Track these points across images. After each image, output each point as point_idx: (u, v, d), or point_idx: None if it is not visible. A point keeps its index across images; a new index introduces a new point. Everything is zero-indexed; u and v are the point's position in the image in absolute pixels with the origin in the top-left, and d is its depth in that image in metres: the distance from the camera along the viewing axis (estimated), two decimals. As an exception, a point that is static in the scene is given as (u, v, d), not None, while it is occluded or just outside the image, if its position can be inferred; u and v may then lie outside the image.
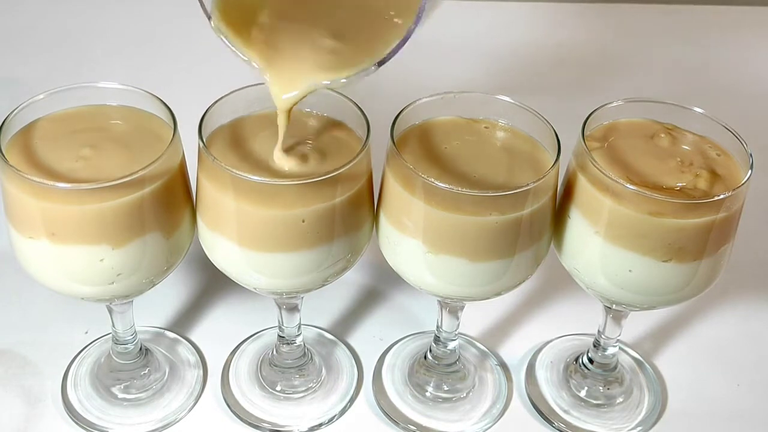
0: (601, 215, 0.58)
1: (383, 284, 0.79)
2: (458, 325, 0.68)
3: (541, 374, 0.72)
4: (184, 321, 0.75)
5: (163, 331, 0.74)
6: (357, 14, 0.56)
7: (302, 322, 0.69)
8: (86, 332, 0.73)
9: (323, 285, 0.61)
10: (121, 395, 0.68)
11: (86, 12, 1.13)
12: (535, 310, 0.78)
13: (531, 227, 0.58)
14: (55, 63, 1.04)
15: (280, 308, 0.66)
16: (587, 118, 0.60)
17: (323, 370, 0.71)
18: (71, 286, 0.58)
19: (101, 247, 0.56)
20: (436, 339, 0.70)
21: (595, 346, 0.70)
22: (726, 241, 0.59)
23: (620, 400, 0.70)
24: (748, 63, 1.12)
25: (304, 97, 0.55)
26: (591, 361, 0.71)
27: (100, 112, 0.61)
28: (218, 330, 0.74)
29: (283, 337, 0.69)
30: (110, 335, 0.68)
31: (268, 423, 0.67)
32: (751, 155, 0.58)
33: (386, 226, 0.60)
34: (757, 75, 1.10)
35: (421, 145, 0.61)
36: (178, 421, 0.67)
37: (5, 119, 0.57)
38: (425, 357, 0.71)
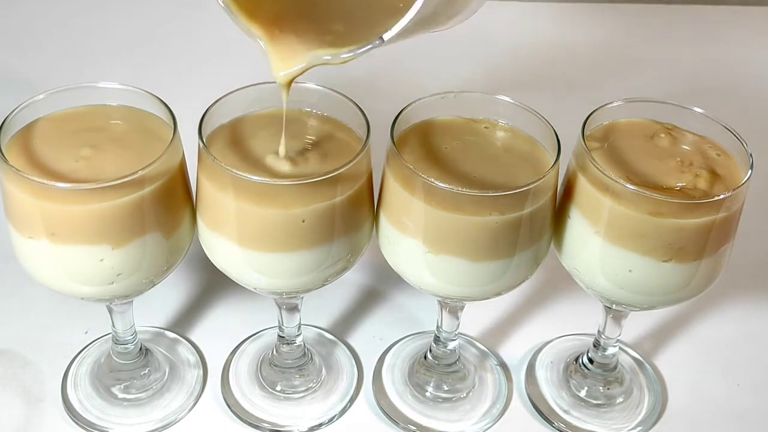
0: (601, 215, 0.58)
1: (383, 284, 0.79)
2: (458, 325, 0.68)
3: (541, 374, 0.72)
4: (184, 321, 0.75)
5: (163, 331, 0.74)
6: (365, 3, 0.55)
7: (302, 322, 0.69)
8: (86, 332, 0.73)
9: (323, 285, 0.61)
10: (121, 395, 0.68)
11: (86, 12, 1.13)
12: (535, 310, 0.78)
13: (531, 227, 0.58)
14: (55, 63, 1.04)
15: (280, 308, 0.66)
16: (587, 118, 0.60)
17: (323, 370, 0.71)
18: (71, 286, 0.58)
19: (101, 247, 0.56)
20: (436, 339, 0.70)
21: (595, 346, 0.70)
22: (726, 241, 0.59)
23: (620, 400, 0.70)
24: (748, 63, 1.12)
25: (304, 71, 0.54)
26: (591, 361, 0.71)
27: (100, 112, 0.61)
28: (218, 330, 0.74)
29: (283, 337, 0.69)
30: (110, 335, 0.68)
31: (268, 423, 0.67)
32: (751, 155, 0.58)
33: (386, 226, 0.60)
34: (757, 75, 1.10)
35: (421, 145, 0.61)
36: (178, 421, 0.67)
37: (5, 119, 0.57)
38: (425, 357, 0.71)
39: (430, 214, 0.56)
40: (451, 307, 0.66)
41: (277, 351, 0.70)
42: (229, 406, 0.68)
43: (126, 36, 1.10)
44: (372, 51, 0.49)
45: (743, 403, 0.71)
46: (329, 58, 0.51)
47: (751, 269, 0.82)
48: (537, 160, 0.60)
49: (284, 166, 0.57)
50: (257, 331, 0.74)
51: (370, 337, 0.75)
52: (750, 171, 0.57)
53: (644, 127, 0.63)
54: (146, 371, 0.69)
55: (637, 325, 0.76)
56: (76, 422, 0.66)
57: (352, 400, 0.69)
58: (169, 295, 0.76)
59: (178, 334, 0.74)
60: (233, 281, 0.61)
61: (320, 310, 0.76)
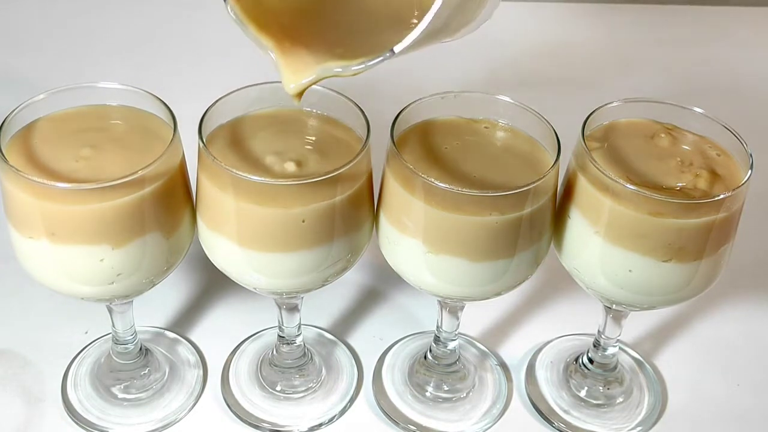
0: (601, 215, 0.58)
1: (383, 284, 0.79)
2: (458, 325, 0.68)
3: (541, 374, 0.72)
4: (184, 321, 0.75)
5: (163, 331, 0.74)
6: (375, 13, 0.55)
7: (302, 322, 0.69)
8: (86, 332, 0.73)
9: (323, 285, 0.61)
10: (121, 395, 0.68)
11: (86, 12, 1.13)
12: (535, 310, 0.78)
13: (531, 227, 0.58)
14: (55, 63, 1.04)
15: (280, 308, 0.66)
16: (587, 118, 0.60)
17: (323, 370, 0.71)
18: (71, 286, 0.58)
19: (101, 247, 0.56)
20: (436, 339, 0.70)
21: (595, 346, 0.70)
22: (726, 241, 0.59)
23: (620, 400, 0.70)
24: (748, 63, 1.12)
25: (315, 83, 0.54)
26: (591, 361, 0.71)
27: (100, 112, 0.61)
28: (218, 330, 0.74)
29: (283, 337, 0.69)
30: (110, 335, 0.68)
31: (268, 423, 0.67)
32: (751, 155, 0.58)
33: (386, 226, 0.60)
34: (757, 75, 1.10)
35: (421, 145, 0.61)
36: (178, 421, 0.67)
37: (5, 119, 0.57)
38: (425, 357, 0.71)
39: (430, 214, 0.56)
40: (451, 307, 0.66)
41: (277, 351, 0.70)
42: (229, 406, 0.68)
43: (126, 36, 1.10)
44: (382, 63, 0.49)
45: (743, 403, 0.71)
46: (340, 70, 0.51)
47: (751, 269, 0.82)
48: (537, 160, 0.60)
49: (284, 166, 0.57)
50: (257, 331, 0.74)
51: (370, 337, 0.75)
52: (750, 171, 0.57)
53: (644, 127, 0.63)
54: (146, 371, 0.69)
55: (637, 325, 0.76)
56: (76, 422, 0.66)
57: (352, 400, 0.69)
58: (169, 295, 0.76)
59: (178, 334, 0.74)
60: (233, 281, 0.61)
61: (320, 310, 0.76)
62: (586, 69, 1.09)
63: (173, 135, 0.57)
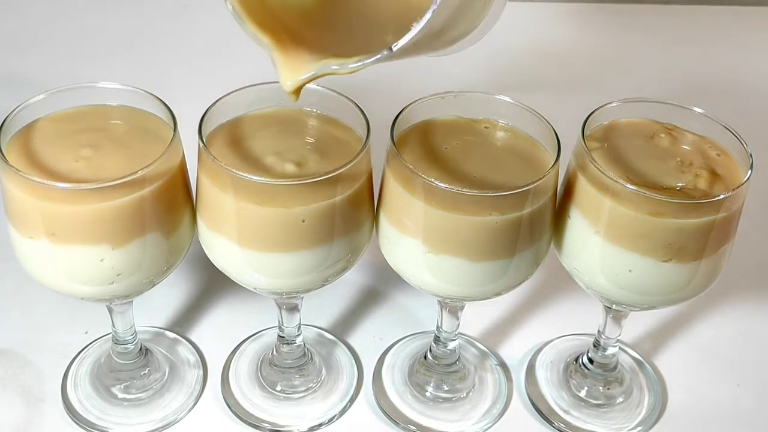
0: (601, 215, 0.58)
1: (383, 284, 0.79)
2: (458, 325, 0.68)
3: (541, 374, 0.72)
4: (184, 321, 0.75)
5: (163, 331, 0.74)
6: (376, 17, 0.55)
7: (302, 322, 0.69)
8: (86, 332, 0.73)
9: (323, 285, 0.61)
10: (121, 395, 0.68)
11: (87, 12, 1.13)
12: (535, 310, 0.78)
13: (531, 227, 0.58)
14: (55, 63, 1.04)
15: (280, 308, 0.66)
16: (587, 118, 0.60)
17: (323, 370, 0.71)
18: (71, 286, 0.58)
19: (101, 247, 0.56)
20: (436, 339, 0.70)
21: (595, 346, 0.70)
22: (726, 241, 0.59)
23: (620, 400, 0.70)
24: (748, 63, 1.12)
25: (312, 80, 0.53)
26: (591, 361, 0.71)
27: (100, 112, 0.61)
28: (218, 330, 0.74)
29: (283, 337, 0.69)
30: (110, 335, 0.68)
31: (268, 423, 0.67)
32: (751, 155, 0.58)
33: (386, 226, 0.60)
34: (757, 75, 1.10)
35: (421, 145, 0.61)
36: (178, 421, 0.67)
37: (5, 119, 0.57)
38: (425, 357, 0.71)
39: (430, 214, 0.56)
40: (451, 307, 0.66)
41: (277, 351, 0.70)
42: (229, 406, 0.68)
43: (126, 36, 1.10)
44: (379, 63, 0.49)
45: (743, 403, 0.71)
46: (337, 67, 0.51)
47: (751, 269, 0.82)
48: (537, 160, 0.60)
49: (284, 166, 0.57)
50: (257, 331, 0.74)
51: (370, 337, 0.75)
52: (750, 171, 0.57)
53: (644, 127, 0.63)
54: (146, 371, 0.69)
55: (637, 325, 0.76)
56: (76, 422, 0.66)
57: (352, 400, 0.69)
58: (169, 295, 0.76)
59: (178, 334, 0.74)
60: (233, 281, 0.61)
61: (320, 310, 0.76)
62: (586, 69, 1.09)
63: (173, 135, 0.57)
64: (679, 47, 1.14)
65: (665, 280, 0.59)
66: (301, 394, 0.69)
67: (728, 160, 0.60)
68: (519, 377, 0.72)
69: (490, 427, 0.68)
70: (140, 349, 0.69)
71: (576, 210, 0.60)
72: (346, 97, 0.60)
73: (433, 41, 0.51)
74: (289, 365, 0.70)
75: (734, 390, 0.72)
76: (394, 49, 0.48)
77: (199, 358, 0.72)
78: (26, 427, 0.66)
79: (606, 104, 0.62)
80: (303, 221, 0.56)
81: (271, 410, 0.68)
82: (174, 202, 0.58)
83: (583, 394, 0.70)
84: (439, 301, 0.66)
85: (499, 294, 0.61)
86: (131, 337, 0.68)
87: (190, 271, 0.78)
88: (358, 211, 0.59)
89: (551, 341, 0.75)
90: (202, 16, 1.14)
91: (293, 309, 0.66)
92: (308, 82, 0.53)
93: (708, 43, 1.15)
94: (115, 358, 0.68)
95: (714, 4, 1.22)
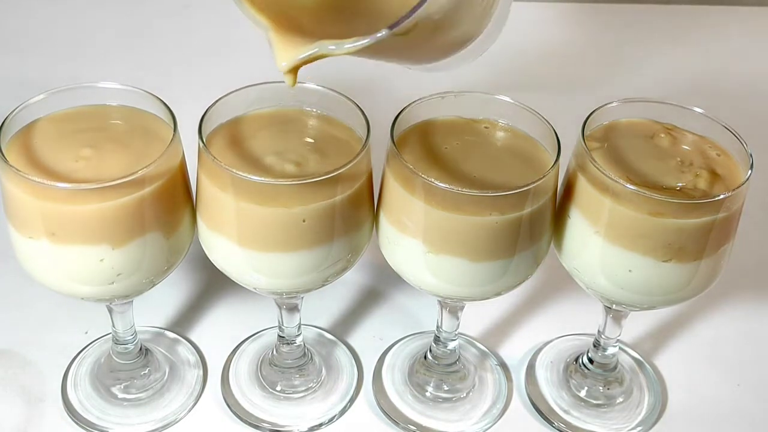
0: (601, 215, 0.58)
1: (383, 284, 0.79)
2: (458, 325, 0.68)
3: (541, 374, 0.72)
4: (184, 321, 0.75)
5: (163, 331, 0.74)
6: (373, 10, 0.55)
7: (302, 322, 0.69)
8: (86, 332, 0.73)
9: (323, 285, 0.61)
10: (121, 395, 0.68)
11: (87, 12, 1.13)
12: (535, 310, 0.78)
13: (531, 227, 0.58)
14: (55, 63, 1.04)
15: (280, 308, 0.66)
16: (587, 118, 0.60)
17: (323, 370, 0.71)
18: (71, 286, 0.58)
19: (101, 247, 0.56)
20: (436, 339, 0.70)
21: (595, 346, 0.70)
22: (726, 241, 0.59)
23: (620, 400, 0.70)
24: (748, 63, 1.12)
25: (308, 61, 0.52)
26: (591, 361, 0.71)
27: (100, 112, 0.61)
28: (218, 330, 0.74)
29: (283, 337, 0.69)
30: (110, 335, 0.68)
31: (268, 423, 0.67)
32: (751, 155, 0.58)
33: (386, 226, 0.60)
34: (757, 75, 1.10)
35: (421, 145, 0.61)
36: (178, 421, 0.67)
37: (5, 119, 0.57)
38: (425, 357, 0.71)
39: (430, 214, 0.56)
40: (451, 307, 0.66)
41: (277, 351, 0.70)
42: (229, 406, 0.68)
43: (126, 36, 1.10)
44: (377, 49, 0.49)
45: (743, 403, 0.71)
46: (333, 47, 0.50)
47: (751, 269, 0.82)
48: (537, 160, 0.60)
49: (284, 166, 0.57)
50: (257, 331, 0.74)
51: (370, 337, 0.75)
52: (750, 171, 0.57)
53: (644, 127, 0.63)
54: (146, 371, 0.69)
55: (637, 325, 0.76)
56: (76, 422, 0.66)
57: (352, 400, 0.69)
58: (169, 295, 0.76)
59: (178, 334, 0.74)
60: (233, 281, 0.61)
61: (320, 310, 0.76)
62: (586, 69, 1.09)
63: (173, 135, 0.57)
64: (679, 47, 1.14)
65: (665, 280, 0.59)
66: (301, 394, 0.69)
67: (728, 160, 0.60)
68: (519, 377, 0.72)
69: (490, 427, 0.68)
70: (140, 349, 0.69)
71: (576, 210, 0.60)
72: (346, 97, 0.60)
73: (431, 37, 0.51)
74: (289, 365, 0.70)
75: (734, 390, 0.72)
76: (394, 29, 0.47)
77: (199, 358, 0.72)
78: (26, 427, 0.66)
79: (606, 104, 0.62)
80: (303, 221, 0.56)
81: (271, 410, 0.68)
82: (174, 202, 0.58)
83: (583, 394, 0.70)
84: (439, 301, 0.66)
85: (499, 294, 0.61)
86: (131, 337, 0.68)
87: (190, 271, 0.78)
88: (358, 211, 0.59)
89: (551, 341, 0.75)
90: (202, 16, 1.14)
91: (293, 309, 0.66)
92: (304, 62, 0.51)
93: (708, 43, 1.15)
94: (115, 358, 0.68)
95: (714, 4, 1.22)
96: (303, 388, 0.70)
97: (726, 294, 0.79)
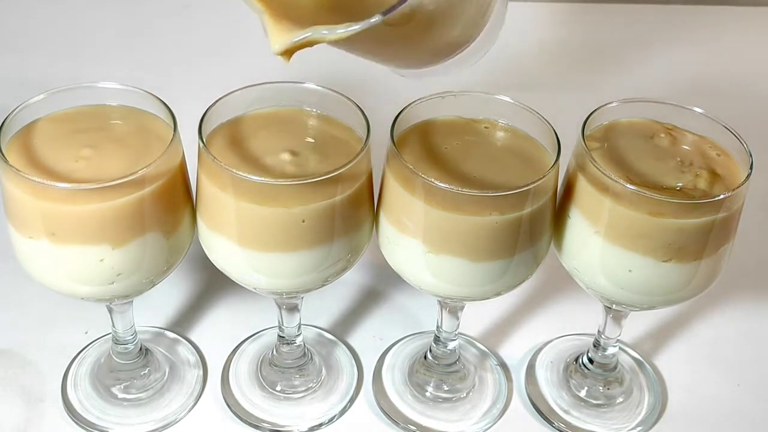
0: (601, 215, 0.58)
1: (383, 284, 0.79)
2: (458, 325, 0.68)
3: (541, 374, 0.72)
4: (184, 321, 0.75)
5: (163, 331, 0.74)
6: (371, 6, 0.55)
7: (302, 322, 0.69)
8: (86, 332, 0.73)
9: (323, 285, 0.61)
10: (121, 395, 0.68)
11: (86, 11, 1.13)
12: (535, 310, 0.78)
13: (531, 227, 0.58)
14: (55, 63, 1.04)
15: (280, 308, 0.66)
16: (587, 118, 0.60)
17: (323, 370, 0.71)
18: (71, 286, 0.58)
19: (101, 247, 0.56)
20: (436, 339, 0.70)
21: (595, 346, 0.70)
22: (726, 241, 0.59)
23: (620, 400, 0.70)
24: (748, 63, 1.12)
25: (301, 46, 0.51)
26: (591, 361, 0.71)
27: (100, 112, 0.61)
28: (218, 330, 0.74)
29: (283, 337, 0.69)
30: (110, 335, 0.68)
31: (268, 423, 0.67)
32: (751, 155, 0.58)
33: (386, 225, 0.60)
34: (757, 75, 1.10)
35: (421, 145, 0.61)
36: (178, 421, 0.67)
37: (5, 119, 0.57)
38: (425, 357, 0.71)
39: (430, 214, 0.56)
40: (451, 307, 0.66)
41: (277, 351, 0.70)
42: (229, 406, 0.68)
43: (126, 36, 1.10)
44: (370, 35, 0.48)
45: (743, 403, 0.71)
46: (326, 32, 0.50)
47: (751, 269, 0.82)
48: (537, 160, 0.60)
49: (284, 166, 0.57)
50: (257, 331, 0.74)
51: (370, 337, 0.75)
52: (750, 171, 0.57)
53: (644, 127, 0.63)
54: (146, 371, 0.69)
55: (637, 325, 0.76)
56: (76, 422, 0.66)
57: (352, 400, 0.69)
58: (169, 295, 0.76)
59: (178, 334, 0.74)
60: (233, 281, 0.61)
61: (320, 310, 0.76)
62: (586, 69, 1.09)
63: (173, 135, 0.57)
64: (679, 47, 1.14)
65: (665, 280, 0.59)
66: (301, 394, 0.69)
67: (728, 160, 0.60)
68: (519, 377, 0.72)
69: (490, 427, 0.68)
70: (140, 349, 0.69)
71: (576, 210, 0.60)
72: (346, 97, 0.60)
73: (424, 33, 0.51)
74: (289, 365, 0.70)
75: (734, 390, 0.72)
76: (387, 15, 0.47)
77: (199, 358, 0.72)
78: (26, 427, 0.66)
79: (606, 104, 0.62)
80: (303, 221, 0.56)
81: (271, 410, 0.68)
82: (174, 202, 0.58)
83: (583, 394, 0.70)
84: (439, 301, 0.66)
85: (499, 294, 0.61)
86: (131, 337, 0.68)
87: (190, 271, 0.78)
88: (358, 211, 0.59)
89: (551, 341, 0.75)
90: (202, 16, 1.14)
91: (293, 309, 0.66)
92: (297, 46, 0.51)
93: (708, 43, 1.15)
94: (115, 358, 0.68)
95: (714, 4, 1.22)
96: (303, 388, 0.70)
97: (726, 294, 0.79)
